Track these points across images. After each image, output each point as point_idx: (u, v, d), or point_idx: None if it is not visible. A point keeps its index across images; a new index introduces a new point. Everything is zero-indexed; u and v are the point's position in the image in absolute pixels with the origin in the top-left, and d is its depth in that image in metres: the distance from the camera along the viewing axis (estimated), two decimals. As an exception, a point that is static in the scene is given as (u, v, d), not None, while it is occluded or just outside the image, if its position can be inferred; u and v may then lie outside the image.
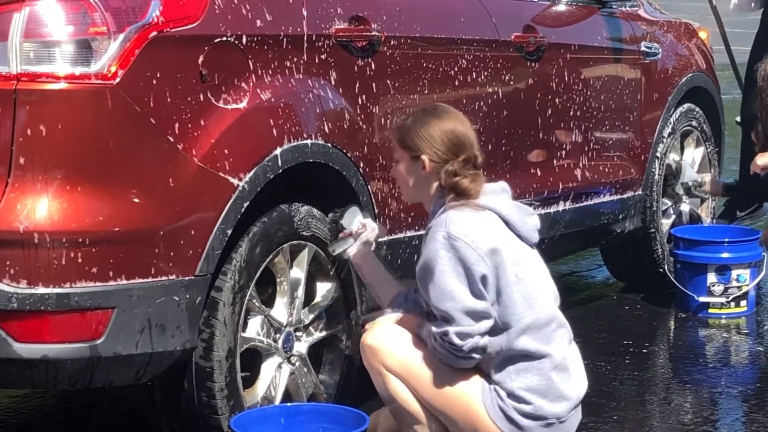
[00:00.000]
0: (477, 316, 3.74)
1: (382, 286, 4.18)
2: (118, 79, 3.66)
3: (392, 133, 4.09)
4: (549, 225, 5.52)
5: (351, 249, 4.21)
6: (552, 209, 5.53)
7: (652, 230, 6.39)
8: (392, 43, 4.60)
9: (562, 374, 3.83)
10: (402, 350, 3.87)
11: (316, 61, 4.27)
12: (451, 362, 3.80)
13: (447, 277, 3.74)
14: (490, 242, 3.78)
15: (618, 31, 6.11)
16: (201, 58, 3.86)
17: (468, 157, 3.89)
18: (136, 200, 3.71)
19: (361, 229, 4.23)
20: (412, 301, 4.03)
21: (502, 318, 3.78)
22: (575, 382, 3.87)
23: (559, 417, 3.82)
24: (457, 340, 3.73)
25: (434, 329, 3.78)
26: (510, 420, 3.79)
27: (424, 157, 3.90)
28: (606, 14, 6.07)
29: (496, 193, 3.92)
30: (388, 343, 3.89)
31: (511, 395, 3.79)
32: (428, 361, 3.84)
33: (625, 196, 6.13)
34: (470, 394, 3.82)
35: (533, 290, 3.84)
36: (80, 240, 3.63)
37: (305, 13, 4.24)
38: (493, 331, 3.78)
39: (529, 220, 3.94)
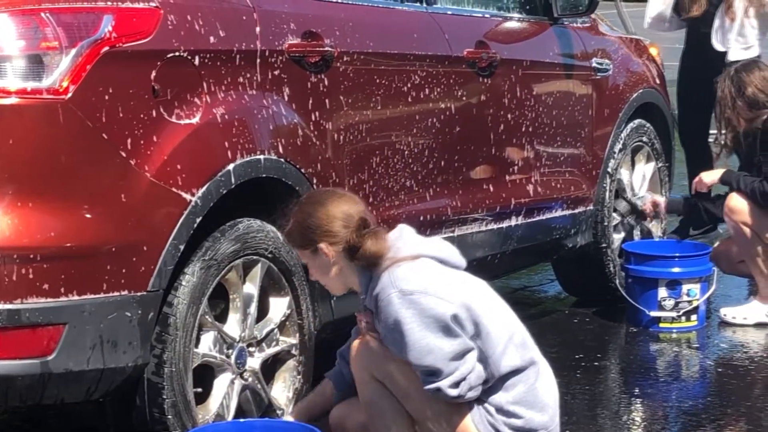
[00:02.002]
0: (460, 355, 3.74)
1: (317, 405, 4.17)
2: (69, 94, 3.65)
3: (287, 243, 4.08)
4: (501, 240, 5.54)
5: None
6: (504, 224, 5.55)
7: (604, 245, 6.42)
8: (345, 58, 4.60)
9: (542, 380, 3.86)
10: (392, 362, 3.85)
11: (270, 76, 4.27)
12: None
13: (417, 334, 3.71)
14: (444, 284, 3.78)
15: (569, 47, 6.14)
16: (154, 74, 3.85)
17: (358, 223, 3.84)
18: (88, 216, 3.70)
19: None
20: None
21: (486, 348, 3.78)
22: (551, 386, 3.91)
23: (547, 427, 3.85)
24: (452, 392, 3.74)
25: (425, 387, 3.76)
26: None
27: (322, 245, 3.85)
28: (557, 30, 6.10)
29: (408, 238, 3.89)
30: (379, 353, 3.87)
31: (500, 410, 3.80)
32: (417, 377, 3.82)
33: (576, 211, 6.16)
34: (459, 412, 3.82)
35: (496, 309, 3.87)
36: (31, 255, 3.61)
37: (258, 29, 4.24)
38: (480, 362, 3.78)
39: (454, 249, 3.94)
